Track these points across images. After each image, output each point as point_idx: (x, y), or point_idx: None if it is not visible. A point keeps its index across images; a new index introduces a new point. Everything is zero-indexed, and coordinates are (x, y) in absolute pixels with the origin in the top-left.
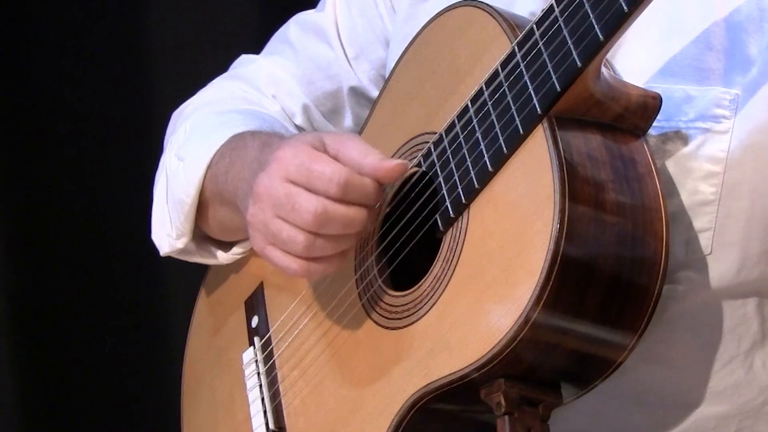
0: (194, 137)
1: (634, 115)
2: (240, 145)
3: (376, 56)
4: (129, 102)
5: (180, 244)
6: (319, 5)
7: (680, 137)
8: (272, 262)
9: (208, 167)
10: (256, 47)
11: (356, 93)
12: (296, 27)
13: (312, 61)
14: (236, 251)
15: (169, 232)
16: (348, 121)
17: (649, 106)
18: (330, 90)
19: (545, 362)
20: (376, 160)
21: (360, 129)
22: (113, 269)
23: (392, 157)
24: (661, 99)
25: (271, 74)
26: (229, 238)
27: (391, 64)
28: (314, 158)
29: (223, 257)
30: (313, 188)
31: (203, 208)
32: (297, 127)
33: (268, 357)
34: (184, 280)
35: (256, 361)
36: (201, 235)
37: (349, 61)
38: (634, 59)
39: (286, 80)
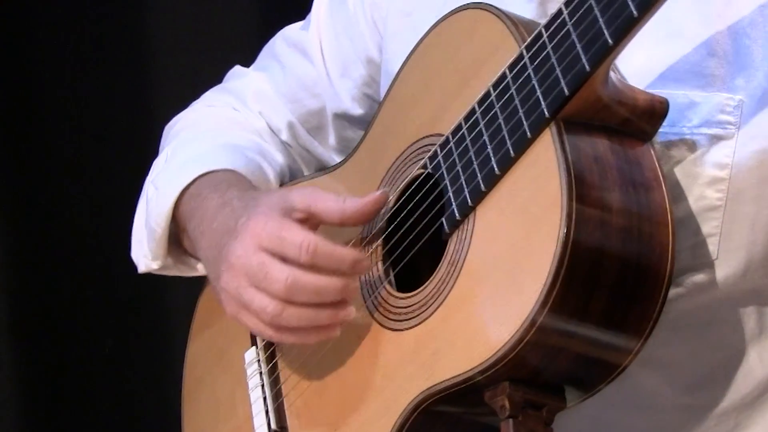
0: (169, 167)
1: (640, 119)
2: (203, 193)
3: (357, 74)
4: (129, 102)
5: (155, 265)
6: (305, 22)
7: (685, 143)
8: (247, 327)
9: (177, 202)
10: (256, 47)
11: (339, 117)
12: (283, 43)
13: (297, 79)
14: None
15: (145, 253)
16: (332, 140)
17: (656, 110)
18: (315, 108)
19: (550, 366)
20: (356, 200)
21: (365, 131)
22: (113, 269)
23: (397, 158)
24: (668, 103)
25: (258, 91)
26: None
27: (389, 77)
28: (285, 226)
29: (203, 269)
30: (285, 256)
31: (181, 230)
32: (283, 143)
33: (271, 357)
34: (185, 279)
35: (259, 360)
36: (183, 249)
37: (332, 82)
38: (634, 64)
39: (272, 98)
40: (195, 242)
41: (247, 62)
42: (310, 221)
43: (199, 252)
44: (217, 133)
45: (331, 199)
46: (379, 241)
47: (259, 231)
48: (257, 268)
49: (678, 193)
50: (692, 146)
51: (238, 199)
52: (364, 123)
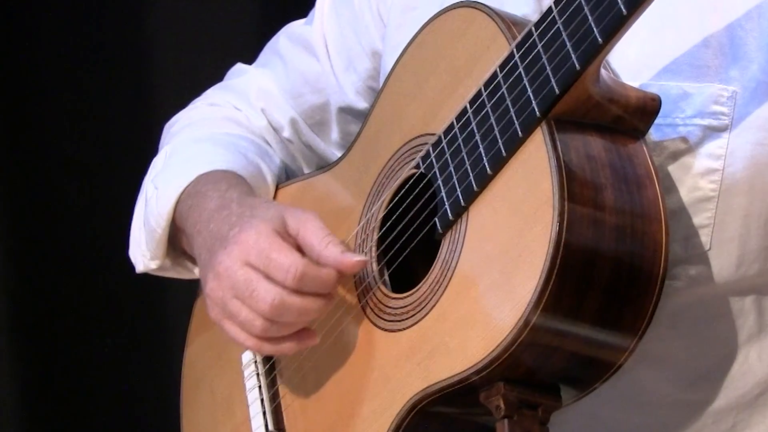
0: (169, 167)
1: (633, 116)
2: (202, 191)
3: (362, 67)
4: (129, 102)
5: (153, 265)
6: (309, 17)
7: (678, 134)
8: (227, 334)
9: (177, 203)
10: (256, 47)
11: (343, 111)
12: (286, 39)
13: (300, 74)
14: None
15: (143, 252)
16: (335, 135)
17: (648, 107)
18: (317, 103)
19: (545, 365)
20: (335, 253)
21: (359, 130)
22: (113, 269)
23: (390, 158)
24: (660, 100)
25: (260, 88)
26: None
27: (387, 71)
28: (274, 246)
29: (198, 272)
30: (271, 276)
31: (179, 232)
32: (285, 140)
33: (268, 358)
34: (184, 280)
35: (256, 362)
36: (181, 250)
37: (336, 76)
38: (627, 56)
39: (274, 94)
40: (191, 239)
41: (247, 61)
42: (299, 246)
43: (194, 250)
44: (217, 133)
45: (316, 237)
46: (374, 242)
47: (248, 246)
48: (243, 284)
49: (671, 185)
50: (685, 137)
51: (237, 204)
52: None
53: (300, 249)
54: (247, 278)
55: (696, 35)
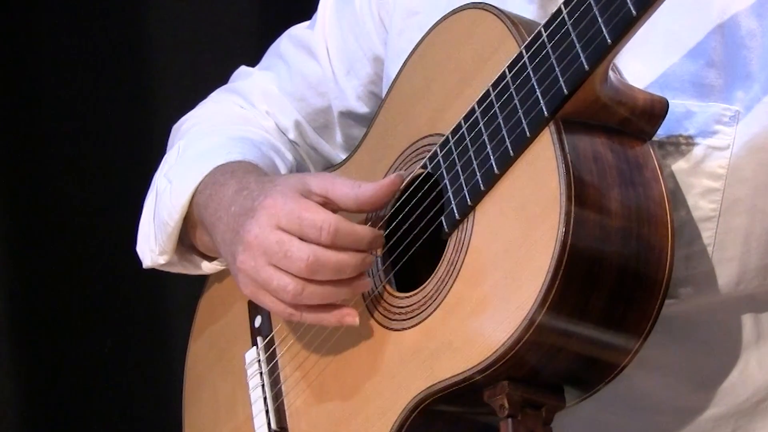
0: (184, 161)
1: (640, 119)
2: (220, 180)
3: (364, 72)
4: (129, 102)
5: (162, 260)
6: (311, 21)
7: (680, 152)
8: (265, 307)
9: (193, 195)
10: (256, 48)
11: (345, 115)
12: (289, 42)
13: (303, 78)
14: (219, 263)
15: (152, 247)
16: (339, 138)
17: (655, 110)
18: (321, 107)
19: (549, 365)
20: (371, 186)
21: (366, 130)
22: (113, 269)
23: (398, 158)
24: (668, 103)
25: (264, 90)
26: (214, 255)
27: (392, 76)
28: (304, 206)
29: (207, 267)
30: (304, 236)
31: (190, 226)
32: (291, 141)
33: (271, 357)
34: (185, 279)
35: (259, 361)
36: (189, 244)
37: (337, 80)
38: (633, 73)
39: (278, 97)
40: (212, 228)
41: (247, 62)
42: (328, 206)
43: (216, 237)
44: (230, 127)
45: (346, 185)
46: None
47: (276, 210)
48: (276, 247)
49: (672, 203)
50: (687, 156)
51: (256, 183)
52: (370, 121)
53: (327, 209)
54: (279, 240)
55: (700, 54)
